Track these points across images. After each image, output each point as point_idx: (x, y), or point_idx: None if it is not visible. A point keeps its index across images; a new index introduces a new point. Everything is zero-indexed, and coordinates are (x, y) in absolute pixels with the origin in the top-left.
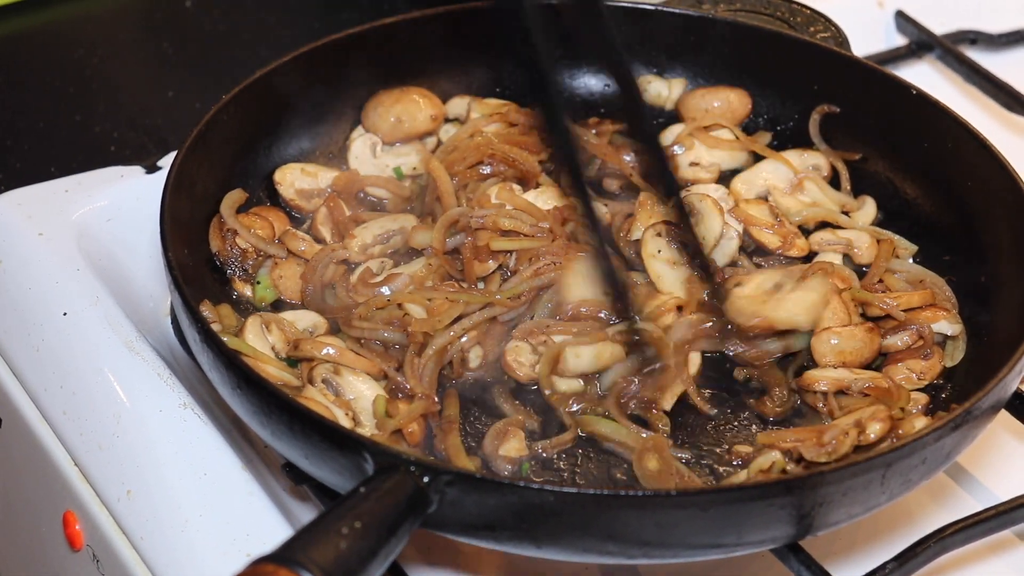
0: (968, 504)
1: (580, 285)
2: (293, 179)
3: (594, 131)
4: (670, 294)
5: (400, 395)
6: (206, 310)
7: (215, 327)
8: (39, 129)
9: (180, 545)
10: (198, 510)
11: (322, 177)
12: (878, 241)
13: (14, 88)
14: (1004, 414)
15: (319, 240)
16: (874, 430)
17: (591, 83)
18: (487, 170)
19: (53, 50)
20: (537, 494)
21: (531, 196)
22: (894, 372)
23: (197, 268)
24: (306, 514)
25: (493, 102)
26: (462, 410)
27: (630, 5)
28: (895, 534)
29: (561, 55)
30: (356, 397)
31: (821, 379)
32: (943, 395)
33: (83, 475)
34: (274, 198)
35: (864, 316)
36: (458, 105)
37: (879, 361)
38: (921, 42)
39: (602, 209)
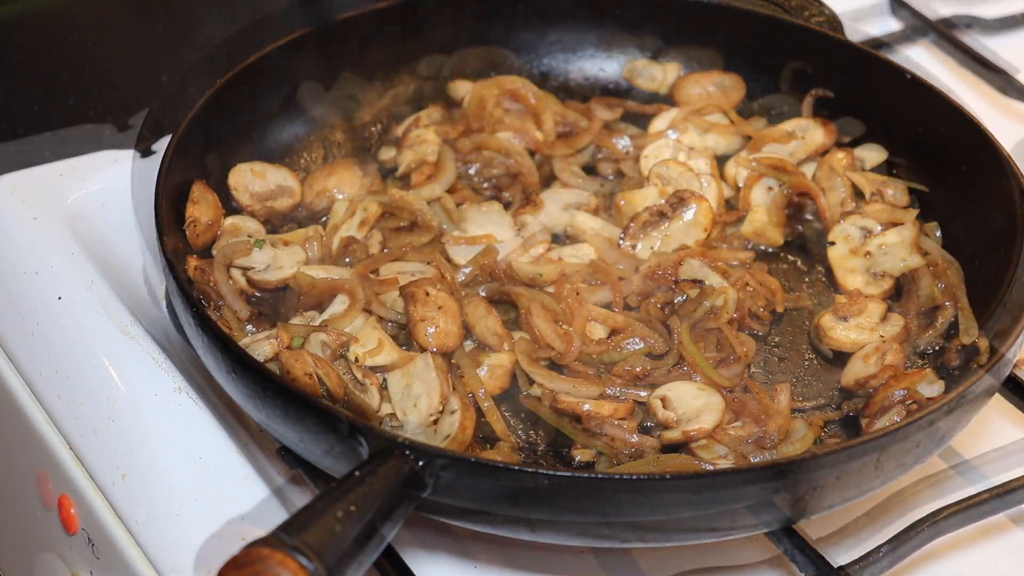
0: (962, 487)
1: None
2: (247, 182)
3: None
4: None
5: None
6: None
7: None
8: (33, 113)
9: (175, 529)
10: (193, 494)
11: (270, 177)
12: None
13: (8, 72)
14: (998, 398)
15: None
16: None
17: (586, 67)
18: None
19: (47, 34)
20: (531, 478)
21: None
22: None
23: (192, 252)
24: (301, 498)
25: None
26: None
27: None
28: (889, 517)
29: (556, 40)
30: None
31: None
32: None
33: (78, 459)
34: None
35: None
36: (462, 88)
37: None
38: (916, 26)
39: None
